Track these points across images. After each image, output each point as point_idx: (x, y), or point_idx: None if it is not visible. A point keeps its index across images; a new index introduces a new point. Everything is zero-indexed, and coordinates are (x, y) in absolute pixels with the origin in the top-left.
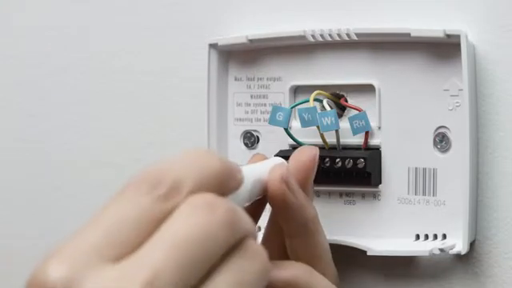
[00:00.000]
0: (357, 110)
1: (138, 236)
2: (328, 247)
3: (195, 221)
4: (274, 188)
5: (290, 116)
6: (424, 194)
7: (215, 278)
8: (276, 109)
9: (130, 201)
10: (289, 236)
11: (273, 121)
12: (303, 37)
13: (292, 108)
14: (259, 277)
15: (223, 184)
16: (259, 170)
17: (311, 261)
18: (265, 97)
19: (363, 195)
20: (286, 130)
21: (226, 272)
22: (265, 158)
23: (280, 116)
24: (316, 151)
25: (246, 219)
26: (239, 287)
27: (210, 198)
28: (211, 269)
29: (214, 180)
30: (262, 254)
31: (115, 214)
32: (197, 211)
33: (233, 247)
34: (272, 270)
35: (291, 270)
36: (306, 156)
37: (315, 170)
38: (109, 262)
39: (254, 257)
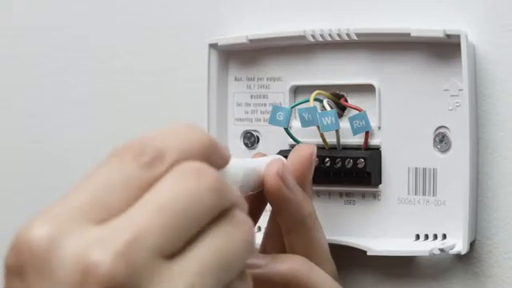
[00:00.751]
0: (357, 109)
1: (124, 200)
2: (326, 245)
3: (182, 185)
4: (270, 182)
5: (290, 116)
6: (424, 194)
7: (199, 243)
8: (276, 108)
9: (114, 168)
10: (286, 232)
11: (273, 120)
12: (303, 37)
13: (292, 108)
14: (243, 246)
15: (208, 157)
16: (255, 162)
17: (308, 257)
18: (265, 97)
19: (363, 195)
20: (286, 129)
21: (211, 238)
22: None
23: (280, 116)
24: (313, 149)
25: (234, 190)
26: (222, 255)
27: (198, 164)
28: (196, 235)
29: (198, 151)
30: (248, 224)
31: (100, 179)
32: (184, 176)
33: (219, 216)
34: (269, 263)
35: (288, 262)
36: (304, 153)
37: (313, 167)
38: (93, 223)
39: (239, 226)
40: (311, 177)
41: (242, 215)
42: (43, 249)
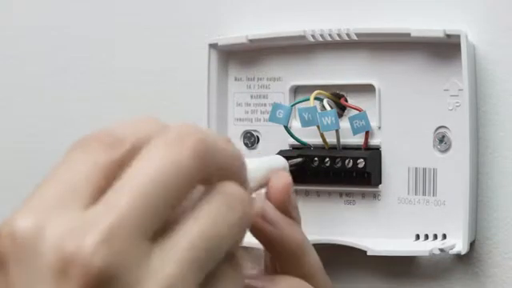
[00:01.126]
0: (357, 109)
1: (96, 184)
2: (319, 264)
3: (161, 154)
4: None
5: (290, 114)
6: (424, 193)
7: (182, 225)
8: (276, 106)
9: (79, 157)
10: (279, 264)
11: (273, 118)
12: (303, 37)
13: (292, 106)
14: (234, 222)
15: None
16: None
17: (303, 280)
18: (265, 97)
19: (363, 195)
20: (286, 127)
21: (196, 220)
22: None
23: (280, 113)
24: (287, 180)
25: (225, 152)
26: (211, 232)
27: (182, 129)
28: (182, 211)
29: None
30: (243, 199)
31: (71, 167)
32: (163, 145)
33: (210, 188)
34: (266, 286)
35: (282, 284)
36: (279, 184)
37: (292, 194)
38: (75, 209)
39: (230, 199)
40: (294, 202)
41: (234, 189)
42: (27, 240)
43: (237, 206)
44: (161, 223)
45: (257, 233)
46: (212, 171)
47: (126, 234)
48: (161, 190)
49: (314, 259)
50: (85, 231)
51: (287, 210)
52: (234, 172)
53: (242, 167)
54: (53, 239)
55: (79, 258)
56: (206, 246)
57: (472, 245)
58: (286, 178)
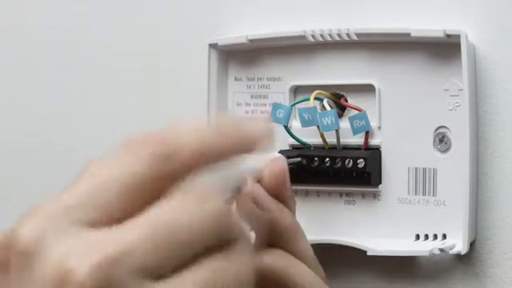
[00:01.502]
0: (357, 109)
1: (121, 203)
2: (311, 252)
3: (184, 207)
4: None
5: (290, 114)
6: (424, 194)
7: (189, 270)
8: (276, 106)
9: (120, 163)
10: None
11: (273, 118)
12: (303, 37)
13: (292, 106)
14: (237, 283)
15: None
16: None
17: None
18: (265, 97)
19: (363, 195)
20: (286, 127)
21: (202, 267)
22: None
23: (280, 113)
24: (283, 165)
25: (238, 223)
26: (211, 286)
27: (203, 189)
28: (189, 262)
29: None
30: (247, 260)
31: (101, 174)
32: (187, 199)
33: (218, 248)
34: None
35: (268, 257)
36: (276, 169)
37: (287, 179)
38: (83, 225)
39: (236, 261)
40: (289, 189)
41: (241, 249)
42: (30, 249)
43: (240, 268)
44: (165, 268)
45: (246, 216)
46: (225, 237)
47: (125, 266)
48: (173, 237)
49: (305, 246)
50: (86, 253)
51: (281, 195)
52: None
53: (210, 143)
54: (54, 254)
55: (76, 277)
56: None
57: (472, 245)
58: (282, 163)
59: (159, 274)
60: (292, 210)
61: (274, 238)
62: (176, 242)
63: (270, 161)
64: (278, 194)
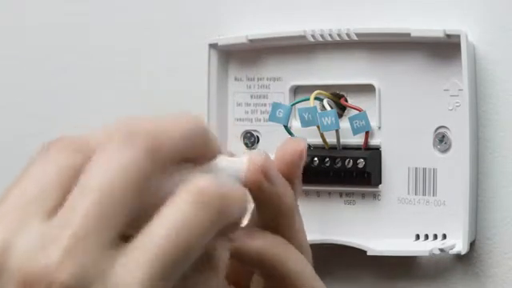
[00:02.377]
0: (357, 109)
1: (66, 188)
2: (307, 247)
3: (113, 159)
4: (251, 178)
5: (289, 113)
6: (424, 194)
7: (148, 228)
8: (276, 105)
9: (44, 161)
10: (264, 227)
11: (273, 117)
12: (303, 37)
13: (292, 105)
14: (207, 226)
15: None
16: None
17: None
18: (265, 97)
19: (363, 195)
20: (286, 127)
21: (161, 224)
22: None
23: (280, 113)
24: (303, 146)
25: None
26: (180, 235)
27: (128, 128)
28: (150, 210)
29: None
30: (210, 194)
31: (35, 173)
32: (113, 151)
33: (174, 186)
34: (241, 237)
35: (259, 240)
36: (293, 148)
37: (302, 163)
38: (38, 220)
39: (198, 201)
40: (300, 173)
41: (203, 183)
42: None
43: (207, 204)
44: (123, 226)
45: (253, 189)
46: (175, 157)
47: (88, 245)
48: (116, 193)
49: (301, 227)
50: (47, 246)
51: (292, 174)
52: (199, 151)
53: (206, 142)
54: (17, 255)
55: (43, 275)
56: (172, 250)
57: (472, 245)
58: (303, 143)
59: (120, 238)
60: (297, 194)
61: (274, 217)
62: (118, 199)
63: (284, 141)
64: (288, 173)
